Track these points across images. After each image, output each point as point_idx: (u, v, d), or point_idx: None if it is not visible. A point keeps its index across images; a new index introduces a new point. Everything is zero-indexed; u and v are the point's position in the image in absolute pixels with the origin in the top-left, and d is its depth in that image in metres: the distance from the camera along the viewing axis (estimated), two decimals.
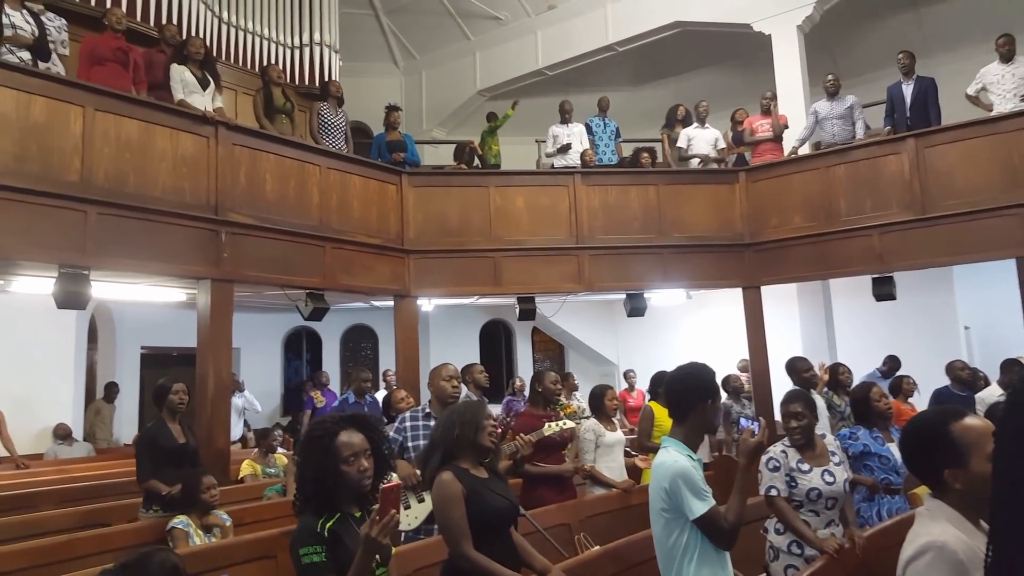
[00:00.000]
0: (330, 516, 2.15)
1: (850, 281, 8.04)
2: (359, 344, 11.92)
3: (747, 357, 7.92)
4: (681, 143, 8.35)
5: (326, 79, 8.86)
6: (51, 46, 5.44)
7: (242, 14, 8.97)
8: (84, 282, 5.03)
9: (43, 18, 5.46)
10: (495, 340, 12.25)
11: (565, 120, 8.45)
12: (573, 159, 8.21)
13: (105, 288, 6.09)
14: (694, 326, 10.48)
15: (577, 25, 10.96)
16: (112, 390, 8.67)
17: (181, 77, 5.96)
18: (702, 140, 8.29)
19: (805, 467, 3.37)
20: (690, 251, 7.83)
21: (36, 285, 5.64)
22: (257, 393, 10.01)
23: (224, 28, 8.71)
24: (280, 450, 6.50)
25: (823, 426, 5.03)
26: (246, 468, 6.07)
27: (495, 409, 4.92)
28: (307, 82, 9.42)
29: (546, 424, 4.12)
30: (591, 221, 7.74)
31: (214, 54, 8.08)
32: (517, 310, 7.85)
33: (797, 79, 8.95)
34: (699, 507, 2.35)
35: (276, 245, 6.18)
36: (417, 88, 12.75)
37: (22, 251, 4.79)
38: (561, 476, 4.45)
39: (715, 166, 8.23)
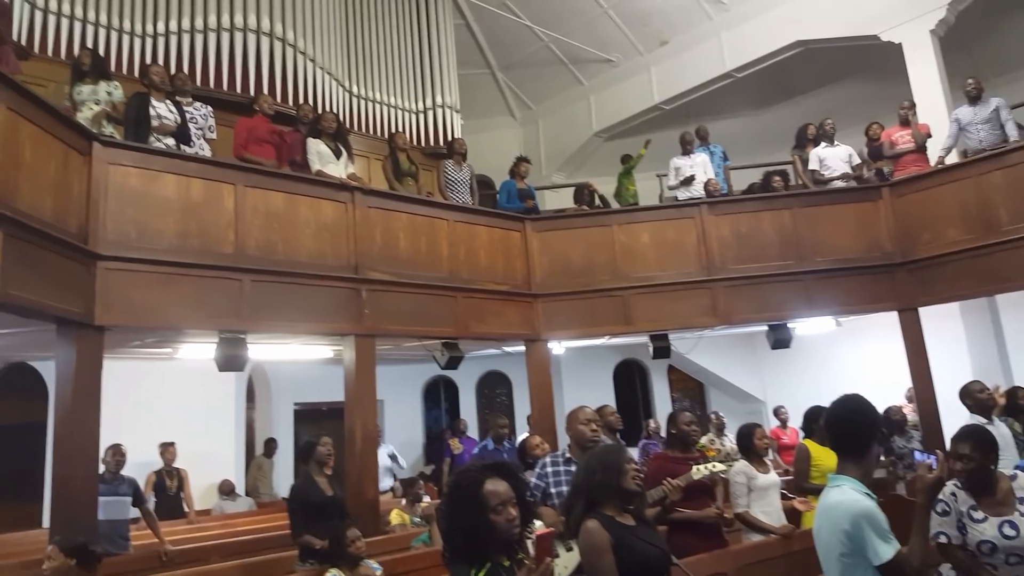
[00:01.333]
0: (481, 566, 2.13)
1: (1021, 295, 7.28)
2: (494, 390, 12.05)
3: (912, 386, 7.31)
4: (813, 165, 7.97)
5: (450, 138, 9.22)
6: (198, 132, 5.99)
7: (370, 86, 9.58)
8: (242, 345, 5.43)
9: (185, 107, 6.04)
10: (630, 381, 12.00)
11: (687, 151, 8.30)
12: (697, 190, 8.03)
13: (260, 349, 6.53)
14: (846, 356, 9.81)
15: (692, 56, 10.83)
16: (271, 446, 9.20)
17: (317, 150, 6.42)
18: (835, 158, 7.89)
19: (978, 515, 2.94)
20: (835, 275, 7.38)
21: (199, 351, 6.14)
22: (400, 443, 10.30)
23: (354, 101, 9.31)
24: (425, 499, 6.62)
25: (1011, 458, 4.51)
26: (395, 518, 6.22)
27: (632, 455, 4.79)
28: (432, 143, 9.86)
29: (694, 468, 3.93)
30: (722, 251, 7.50)
31: (346, 125, 8.65)
32: (650, 348, 7.69)
33: (936, 86, 8.35)
34: (886, 551, 2.13)
35: (411, 299, 6.43)
36: (535, 137, 13.02)
37: (187, 320, 5.23)
38: (705, 522, 4.15)
39: (854, 183, 7.79)
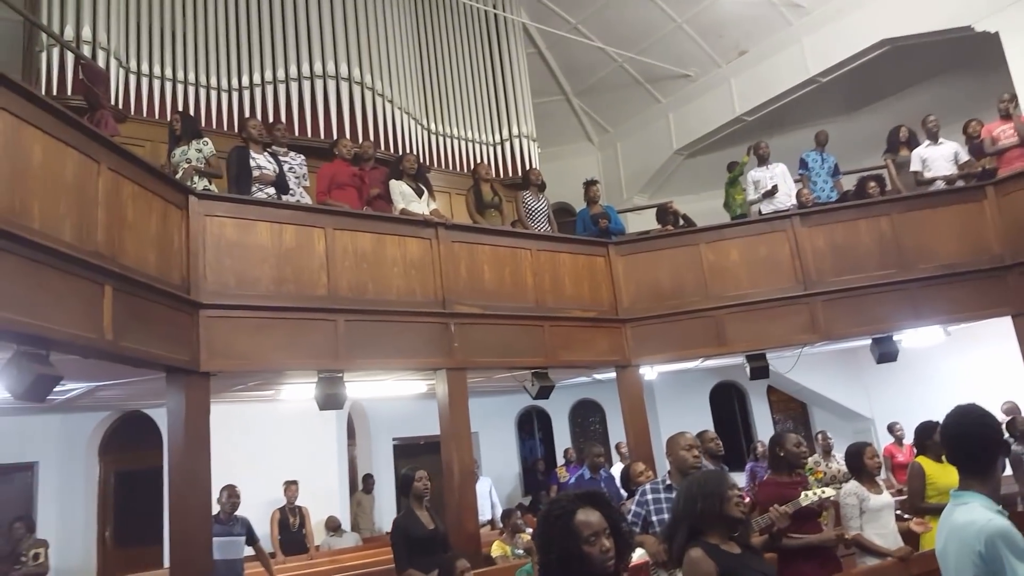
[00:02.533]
0: None
1: None
2: (587, 419, 11.91)
3: (1011, 399, 6.76)
4: (915, 166, 7.55)
5: (527, 168, 9.29)
6: (295, 180, 6.27)
7: (447, 122, 9.80)
8: (339, 384, 5.59)
9: (281, 156, 6.33)
10: (728, 404, 11.62)
11: (762, 163, 8.04)
12: (783, 202, 7.75)
13: (357, 387, 6.70)
14: (957, 366, 9.21)
15: (772, 64, 10.52)
16: (368, 481, 9.38)
17: (400, 191, 6.60)
18: (939, 158, 7.45)
19: None
20: (941, 282, 6.98)
21: (300, 391, 6.36)
22: (495, 475, 10.30)
23: (433, 138, 9.54)
24: (528, 530, 6.57)
25: None
26: (496, 549, 6.22)
27: (739, 479, 4.60)
28: (510, 174, 9.95)
29: (802, 493, 3.75)
30: (818, 264, 7.22)
31: (425, 162, 8.87)
32: (747, 369, 7.42)
33: None
34: None
35: (499, 330, 6.46)
36: (613, 160, 12.94)
37: (287, 362, 5.43)
38: (822, 547, 3.96)
39: (961, 183, 7.34)
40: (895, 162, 7.92)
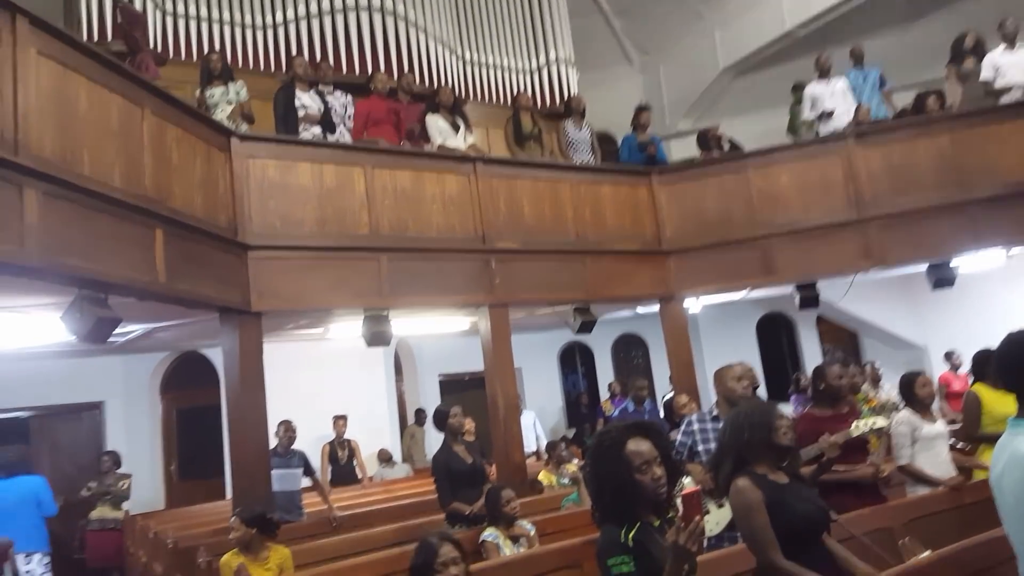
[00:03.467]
0: (631, 525, 2.12)
1: None
2: (630, 353, 11.92)
3: None
4: (986, 74, 6.95)
5: (567, 96, 9.04)
6: (338, 119, 6.24)
7: (482, 50, 9.48)
8: (385, 321, 5.68)
9: (327, 95, 6.28)
10: (775, 335, 11.45)
11: (823, 76, 7.51)
12: (842, 121, 7.28)
13: (403, 324, 6.79)
14: (1017, 292, 8.87)
15: None
16: (421, 415, 9.59)
17: (436, 125, 6.50)
18: (1015, 66, 6.84)
19: None
20: (1005, 202, 6.56)
21: (348, 330, 6.47)
22: (539, 409, 10.44)
23: (468, 67, 9.29)
24: (573, 461, 6.68)
25: None
26: (542, 479, 6.34)
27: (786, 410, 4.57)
28: (549, 103, 9.69)
29: (853, 424, 3.68)
30: (874, 187, 6.89)
31: (462, 95, 8.71)
32: (796, 299, 7.26)
33: None
34: None
35: (540, 265, 6.43)
36: (656, 84, 12.44)
37: (333, 301, 5.52)
38: (861, 482, 3.90)
39: None
40: (959, 73, 7.34)
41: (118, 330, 5.75)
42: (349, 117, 6.39)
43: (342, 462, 7.80)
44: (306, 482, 6.24)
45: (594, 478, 2.26)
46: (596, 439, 2.34)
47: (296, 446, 6.23)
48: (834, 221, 6.93)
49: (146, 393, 8.65)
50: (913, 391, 4.29)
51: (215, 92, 5.85)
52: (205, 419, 8.08)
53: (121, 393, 8.45)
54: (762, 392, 5.59)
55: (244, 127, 5.64)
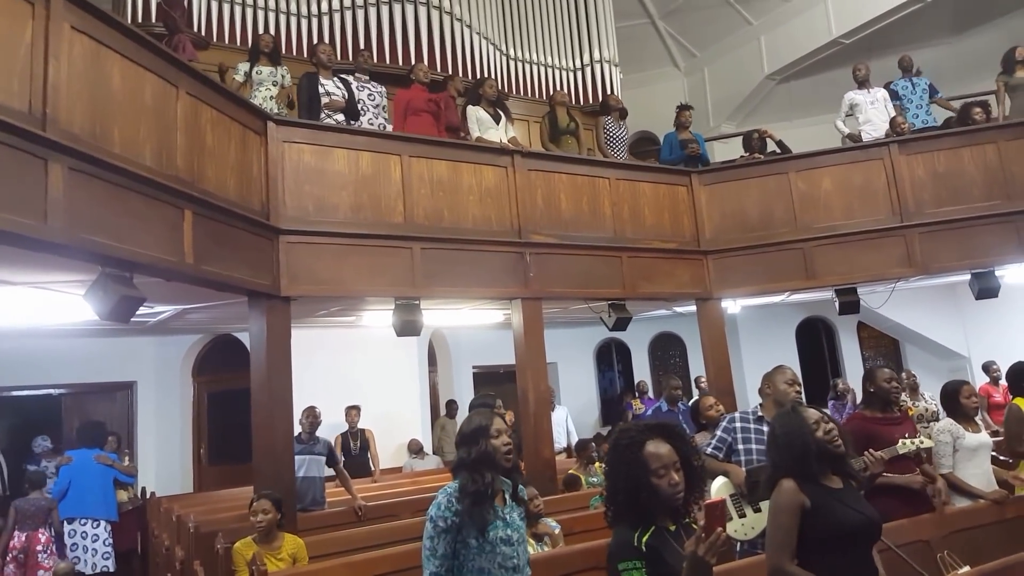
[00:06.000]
0: (645, 529, 2.06)
1: None
2: (667, 352, 11.77)
3: None
4: None
5: (605, 94, 8.95)
6: (374, 108, 6.23)
7: (526, 48, 9.50)
8: (416, 311, 5.63)
9: (362, 83, 6.27)
10: (815, 340, 11.22)
11: (861, 86, 7.51)
12: (878, 129, 7.26)
13: (436, 315, 6.76)
14: None
15: None
16: (452, 407, 9.56)
17: (476, 116, 6.46)
18: None
19: None
20: None
21: (380, 318, 6.46)
22: (574, 405, 10.35)
23: (511, 64, 9.29)
24: None
25: None
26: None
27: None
28: (591, 100, 9.63)
29: (900, 442, 3.61)
30: (917, 194, 6.81)
31: (504, 89, 8.68)
32: (836, 304, 7.10)
33: None
34: None
35: (576, 260, 6.36)
36: (700, 86, 12.35)
37: (365, 289, 5.50)
38: (909, 488, 3.81)
39: None
40: (1007, 84, 7.28)
41: (147, 310, 5.89)
42: (384, 108, 6.37)
43: (354, 452, 7.71)
44: (330, 472, 6.18)
45: (610, 476, 2.22)
46: (615, 437, 2.28)
47: (329, 434, 6.19)
48: (876, 227, 6.85)
49: (178, 375, 8.74)
50: (958, 401, 4.16)
51: (263, 70, 5.91)
52: (237, 403, 8.04)
53: (153, 374, 8.55)
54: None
55: (285, 111, 5.65)
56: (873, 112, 7.39)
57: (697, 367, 9.91)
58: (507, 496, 2.54)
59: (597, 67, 9.82)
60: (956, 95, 8.58)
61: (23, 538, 5.94)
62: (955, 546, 3.49)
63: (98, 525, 6.33)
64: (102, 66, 3.63)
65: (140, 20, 6.90)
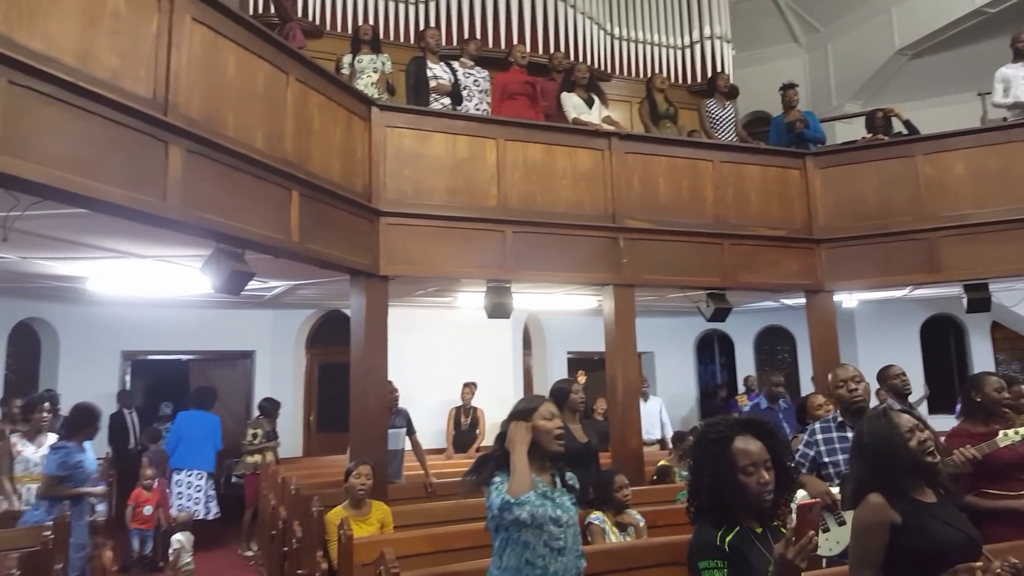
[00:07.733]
0: (729, 529, 1.98)
1: None
2: (774, 347, 11.25)
3: None
4: None
5: (713, 73, 8.59)
6: (479, 94, 6.32)
7: (631, 25, 9.20)
8: (507, 294, 5.69)
9: (466, 69, 6.35)
10: (943, 339, 10.39)
11: (1018, 58, 6.78)
12: None
13: (527, 299, 6.78)
14: None
15: None
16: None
17: (571, 103, 6.41)
18: None
19: None
20: None
21: (473, 299, 6.55)
22: (670, 397, 10.13)
23: (615, 43, 9.05)
24: None
25: None
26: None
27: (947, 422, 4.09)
28: (700, 79, 9.25)
29: (1000, 432, 3.20)
30: None
31: (607, 70, 8.52)
32: (964, 301, 6.56)
33: None
34: None
35: (672, 247, 6.20)
36: (823, 63, 11.60)
37: (458, 270, 5.61)
38: (1019, 511, 3.32)
39: None
40: None
41: (261, 285, 6.25)
42: (484, 92, 6.43)
43: (464, 428, 7.97)
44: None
45: (695, 470, 2.14)
46: (701, 430, 2.20)
47: (421, 410, 6.34)
48: (1014, 217, 6.25)
49: (292, 346, 9.24)
50: None
51: (364, 59, 6.11)
52: (344, 375, 8.46)
53: (270, 344, 9.10)
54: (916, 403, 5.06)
55: (386, 97, 5.81)
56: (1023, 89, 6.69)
57: (807, 364, 9.44)
58: (557, 479, 2.56)
59: (708, 44, 9.39)
60: None
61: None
62: None
63: (201, 476, 7.03)
64: (219, 54, 3.89)
65: (261, 10, 7.24)
